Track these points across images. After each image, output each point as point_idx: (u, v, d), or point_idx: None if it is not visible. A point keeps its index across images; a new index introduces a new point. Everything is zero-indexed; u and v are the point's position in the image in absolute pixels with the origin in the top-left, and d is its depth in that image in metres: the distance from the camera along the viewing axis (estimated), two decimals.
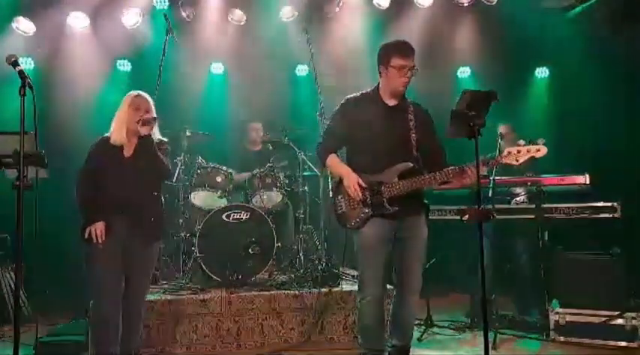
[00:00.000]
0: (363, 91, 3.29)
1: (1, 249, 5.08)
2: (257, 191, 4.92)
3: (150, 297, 3.96)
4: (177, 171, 4.88)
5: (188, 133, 5.08)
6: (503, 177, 4.40)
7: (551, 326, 4.09)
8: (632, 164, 5.40)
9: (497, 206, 4.34)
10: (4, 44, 5.56)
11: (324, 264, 4.56)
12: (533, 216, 4.31)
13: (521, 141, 3.01)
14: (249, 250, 4.48)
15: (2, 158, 2.95)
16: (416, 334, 4.01)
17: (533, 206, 4.35)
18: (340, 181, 3.21)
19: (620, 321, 3.91)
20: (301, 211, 5.12)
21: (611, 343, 3.90)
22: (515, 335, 4.23)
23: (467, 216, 3.63)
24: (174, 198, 4.99)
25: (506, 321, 4.41)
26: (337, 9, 6.15)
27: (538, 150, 2.96)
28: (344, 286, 4.33)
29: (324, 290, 4.21)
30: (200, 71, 6.40)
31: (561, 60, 6.17)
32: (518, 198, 4.74)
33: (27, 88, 2.54)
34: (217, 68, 6.50)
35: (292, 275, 4.65)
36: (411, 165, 3.12)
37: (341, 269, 4.85)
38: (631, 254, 4.20)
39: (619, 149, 5.59)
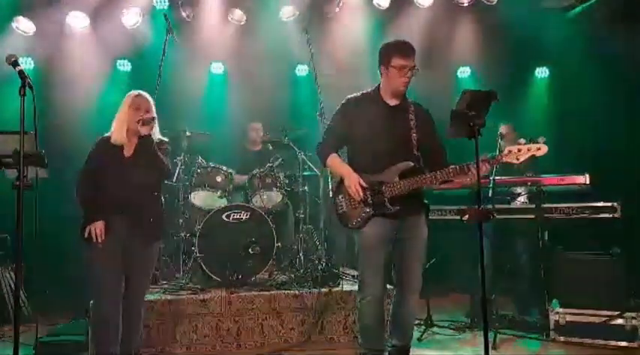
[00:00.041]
0: (364, 91, 3.30)
1: (1, 249, 5.08)
2: (257, 191, 4.91)
3: (150, 297, 3.96)
4: (177, 171, 4.88)
5: (188, 133, 5.08)
6: (503, 177, 4.40)
7: (551, 326, 4.09)
8: (632, 164, 5.40)
9: (497, 206, 4.34)
10: (4, 44, 5.56)
11: (324, 264, 4.56)
12: (533, 216, 4.31)
13: (522, 140, 3.01)
14: (249, 250, 4.48)
15: (2, 158, 2.96)
16: (416, 334, 4.01)
17: (533, 206, 4.35)
18: (341, 181, 3.21)
19: (620, 321, 3.91)
20: (301, 211, 5.12)
21: (612, 343, 3.90)
22: (515, 335, 4.23)
23: (467, 216, 3.63)
24: (174, 198, 4.99)
25: (506, 321, 4.41)
26: (337, 9, 6.15)
27: (539, 149, 2.96)
28: (344, 286, 4.33)
29: (324, 290, 4.21)
30: (200, 71, 6.40)
31: (561, 60, 6.18)
32: (519, 199, 4.73)
33: (27, 87, 2.55)
34: (217, 68, 6.50)
35: (292, 275, 4.65)
36: (412, 164, 3.12)
37: (341, 269, 4.86)
38: (631, 254, 4.20)
39: (619, 149, 5.59)
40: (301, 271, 4.68)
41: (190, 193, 4.87)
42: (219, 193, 4.84)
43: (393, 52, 3.13)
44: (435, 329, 4.46)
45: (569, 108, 6.03)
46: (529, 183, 4.42)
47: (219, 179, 4.88)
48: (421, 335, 4.27)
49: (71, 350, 3.81)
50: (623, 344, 3.88)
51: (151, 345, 3.92)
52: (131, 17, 5.79)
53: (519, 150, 2.98)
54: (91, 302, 3.29)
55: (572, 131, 5.82)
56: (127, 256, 3.18)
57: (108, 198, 3.14)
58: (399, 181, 3.09)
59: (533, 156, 2.96)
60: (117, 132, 3.21)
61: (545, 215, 4.28)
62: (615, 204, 4.14)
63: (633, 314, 3.88)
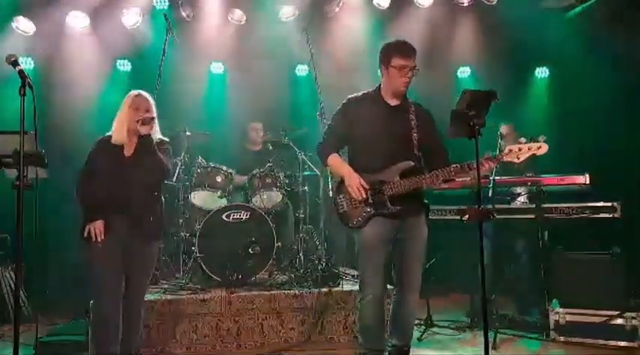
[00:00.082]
0: (365, 91, 3.30)
1: (1, 249, 5.07)
2: (257, 191, 4.91)
3: (150, 297, 3.96)
4: (177, 171, 4.88)
5: (188, 133, 5.08)
6: (503, 177, 4.40)
7: (551, 326, 4.09)
8: (632, 164, 5.40)
9: (497, 206, 4.34)
10: (4, 44, 5.55)
11: (324, 264, 4.56)
12: (533, 216, 4.31)
13: (522, 139, 3.01)
14: (249, 250, 4.48)
15: (2, 158, 2.96)
16: (416, 334, 4.01)
17: (533, 206, 4.35)
18: (342, 181, 3.21)
19: (620, 321, 3.91)
20: (301, 211, 5.12)
21: (612, 343, 3.90)
22: (515, 335, 4.23)
23: (467, 216, 3.62)
24: (174, 198, 4.99)
25: (506, 321, 4.41)
26: (337, 9, 6.15)
27: (539, 148, 2.96)
28: (344, 286, 4.33)
29: (324, 290, 4.21)
30: (200, 71, 6.40)
31: (561, 60, 6.17)
32: (519, 199, 4.73)
33: (27, 87, 2.54)
34: (217, 68, 6.50)
35: (292, 275, 4.64)
36: (413, 163, 3.12)
37: (341, 269, 4.85)
38: (631, 254, 4.20)
39: (619, 149, 5.59)
40: (301, 271, 4.68)
41: (190, 193, 4.87)
42: (219, 193, 4.84)
43: (393, 52, 3.13)
44: (435, 329, 4.46)
45: (569, 108, 6.03)
46: (529, 183, 4.42)
47: (219, 179, 4.88)
48: (421, 335, 4.27)
49: (71, 350, 3.81)
50: (623, 344, 3.88)
51: (151, 345, 3.91)
52: (131, 17, 5.78)
53: (520, 149, 2.98)
54: (91, 302, 3.29)
55: (572, 131, 5.82)
56: (127, 256, 3.18)
57: (108, 197, 3.14)
58: (400, 181, 3.09)
59: (533, 155, 2.96)
60: (117, 132, 3.21)
61: (545, 215, 4.27)
62: (615, 204, 4.14)
63: (633, 314, 3.87)
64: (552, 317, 4.09)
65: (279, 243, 4.70)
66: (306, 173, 5.24)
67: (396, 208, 3.09)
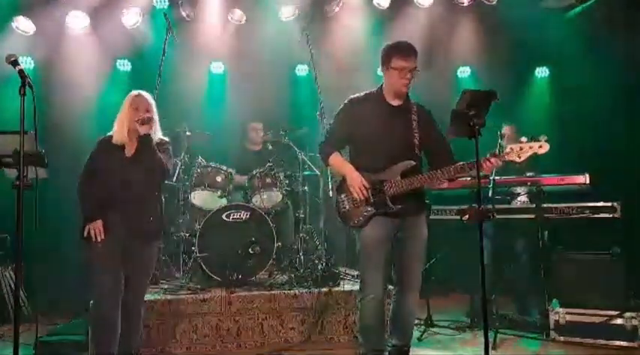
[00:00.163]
0: (367, 91, 3.30)
1: (1, 249, 5.08)
2: (257, 191, 4.91)
3: (150, 297, 3.96)
4: (177, 171, 4.88)
5: (188, 133, 5.08)
6: (503, 177, 4.40)
7: (551, 325, 4.09)
8: (632, 164, 5.41)
9: (497, 206, 4.34)
10: (4, 44, 5.55)
11: (324, 264, 4.56)
12: (533, 216, 4.31)
13: (524, 138, 3.00)
14: (249, 250, 4.48)
15: (2, 158, 2.97)
16: (416, 334, 4.01)
17: (533, 206, 4.35)
18: (343, 180, 3.21)
19: (620, 321, 3.91)
20: (301, 211, 5.13)
21: (612, 343, 3.90)
22: (515, 335, 4.23)
23: (467, 216, 3.63)
24: (174, 198, 5.00)
25: (507, 321, 4.40)
26: (337, 9, 6.15)
27: (540, 147, 2.96)
28: (344, 286, 4.33)
29: (324, 290, 4.21)
30: (200, 71, 6.39)
31: (561, 60, 6.17)
32: (519, 199, 4.73)
33: (27, 87, 2.55)
34: (217, 68, 6.49)
35: (292, 275, 4.64)
36: (414, 163, 3.12)
37: (341, 269, 4.85)
38: (631, 254, 4.20)
39: (619, 149, 5.59)
40: (301, 271, 4.67)
41: (190, 193, 4.87)
42: (219, 193, 4.84)
43: (393, 53, 3.13)
44: (435, 329, 4.46)
45: (569, 108, 6.03)
46: (529, 183, 4.42)
47: (219, 179, 4.88)
48: (421, 335, 4.27)
49: (71, 350, 3.81)
50: (623, 344, 3.88)
51: (151, 345, 3.92)
52: (131, 17, 5.78)
53: (521, 149, 2.98)
54: (91, 302, 3.29)
55: (572, 131, 5.81)
56: (127, 256, 3.18)
57: (109, 197, 3.14)
58: (401, 180, 3.09)
59: (535, 154, 2.96)
60: (118, 132, 3.22)
61: (545, 215, 4.27)
62: (615, 204, 4.13)
63: (633, 314, 3.88)
64: (552, 317, 4.09)
65: (279, 243, 4.70)
66: (306, 173, 5.24)
67: (397, 207, 3.09)
